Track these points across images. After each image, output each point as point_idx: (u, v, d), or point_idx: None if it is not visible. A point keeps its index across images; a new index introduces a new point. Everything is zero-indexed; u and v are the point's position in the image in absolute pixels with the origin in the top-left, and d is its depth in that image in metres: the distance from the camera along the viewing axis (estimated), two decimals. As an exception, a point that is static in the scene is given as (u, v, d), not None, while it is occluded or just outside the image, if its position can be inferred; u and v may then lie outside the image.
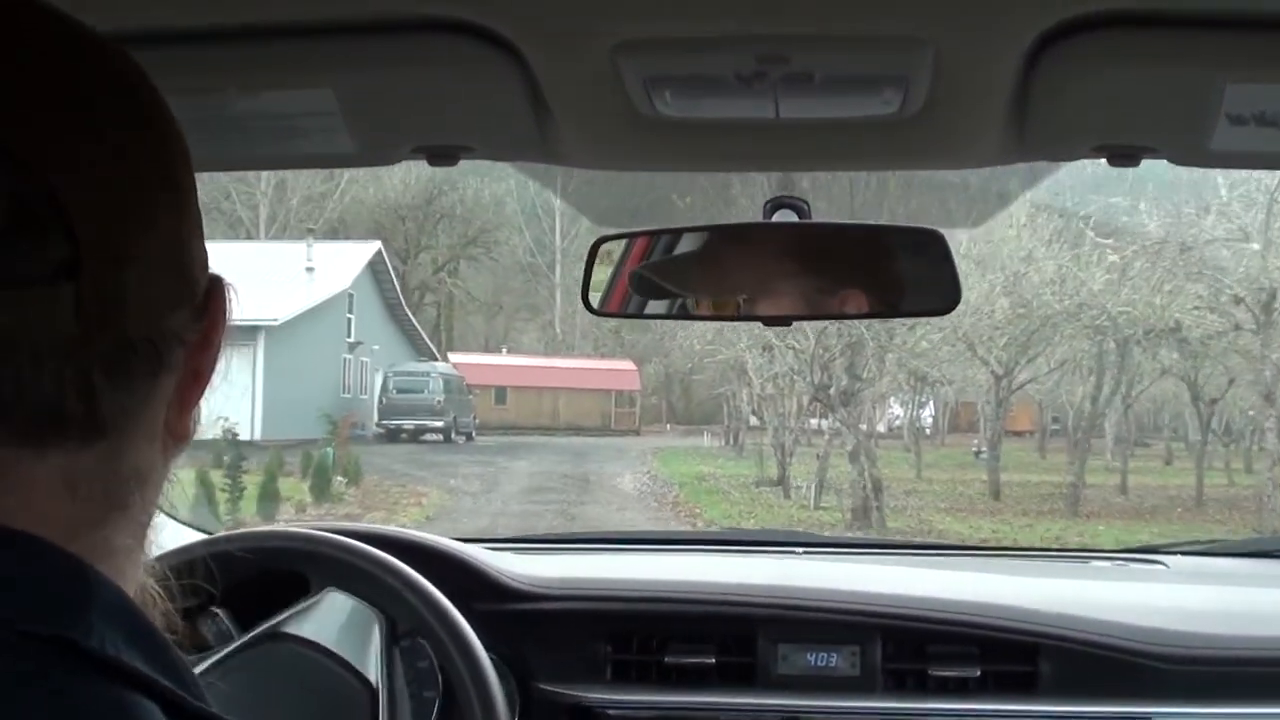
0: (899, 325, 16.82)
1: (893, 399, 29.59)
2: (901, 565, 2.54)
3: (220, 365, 0.78)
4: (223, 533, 2.01)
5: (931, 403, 32.03)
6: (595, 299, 1.73)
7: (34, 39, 0.69)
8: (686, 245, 1.75)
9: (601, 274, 1.72)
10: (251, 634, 1.76)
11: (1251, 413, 21.51)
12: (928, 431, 29.24)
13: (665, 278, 1.74)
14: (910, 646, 2.06)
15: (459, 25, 1.14)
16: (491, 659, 1.81)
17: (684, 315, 1.77)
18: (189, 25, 1.15)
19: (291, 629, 1.75)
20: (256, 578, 1.84)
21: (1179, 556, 2.57)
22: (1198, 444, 23.33)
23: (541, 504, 18.34)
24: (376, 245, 33.32)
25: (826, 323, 16.50)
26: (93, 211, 0.66)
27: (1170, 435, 33.28)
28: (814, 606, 2.10)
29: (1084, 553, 3.29)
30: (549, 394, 41.87)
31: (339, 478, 17.85)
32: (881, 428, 25.56)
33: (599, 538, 2.79)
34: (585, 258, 1.72)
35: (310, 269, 30.22)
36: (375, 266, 33.26)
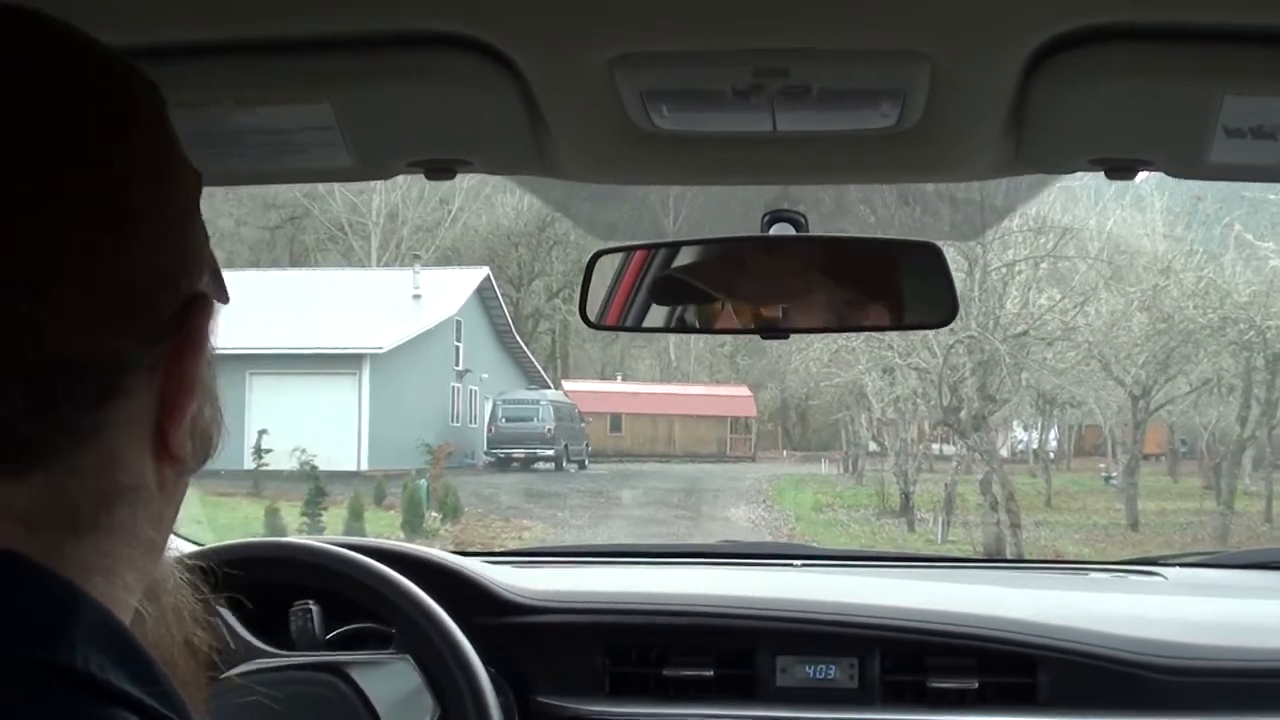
0: (1035, 342, 15.71)
1: (1015, 422, 28.49)
2: (899, 578, 2.54)
3: (200, 385, 0.74)
4: (211, 545, 1.99)
5: (1055, 425, 30.60)
6: (593, 312, 1.74)
7: None
8: (684, 259, 1.75)
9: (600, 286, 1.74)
10: (315, 658, 1.79)
11: None
12: (1051, 455, 27.94)
13: (663, 291, 1.74)
14: (909, 658, 2.05)
15: (456, 40, 1.14)
16: (490, 672, 1.83)
17: (681, 328, 1.79)
18: (187, 40, 1.15)
19: (356, 675, 1.75)
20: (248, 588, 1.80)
21: (1177, 568, 2.56)
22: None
23: (649, 539, 17.64)
24: (484, 271, 32.54)
25: (954, 340, 15.52)
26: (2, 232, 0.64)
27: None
28: (812, 619, 2.10)
29: (1082, 564, 3.31)
30: (664, 421, 41.05)
31: (433, 512, 16.88)
32: (1004, 452, 24.31)
33: (597, 550, 2.84)
34: (583, 271, 1.75)
35: (417, 296, 29.76)
36: (484, 293, 32.63)
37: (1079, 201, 18.90)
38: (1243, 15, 1.10)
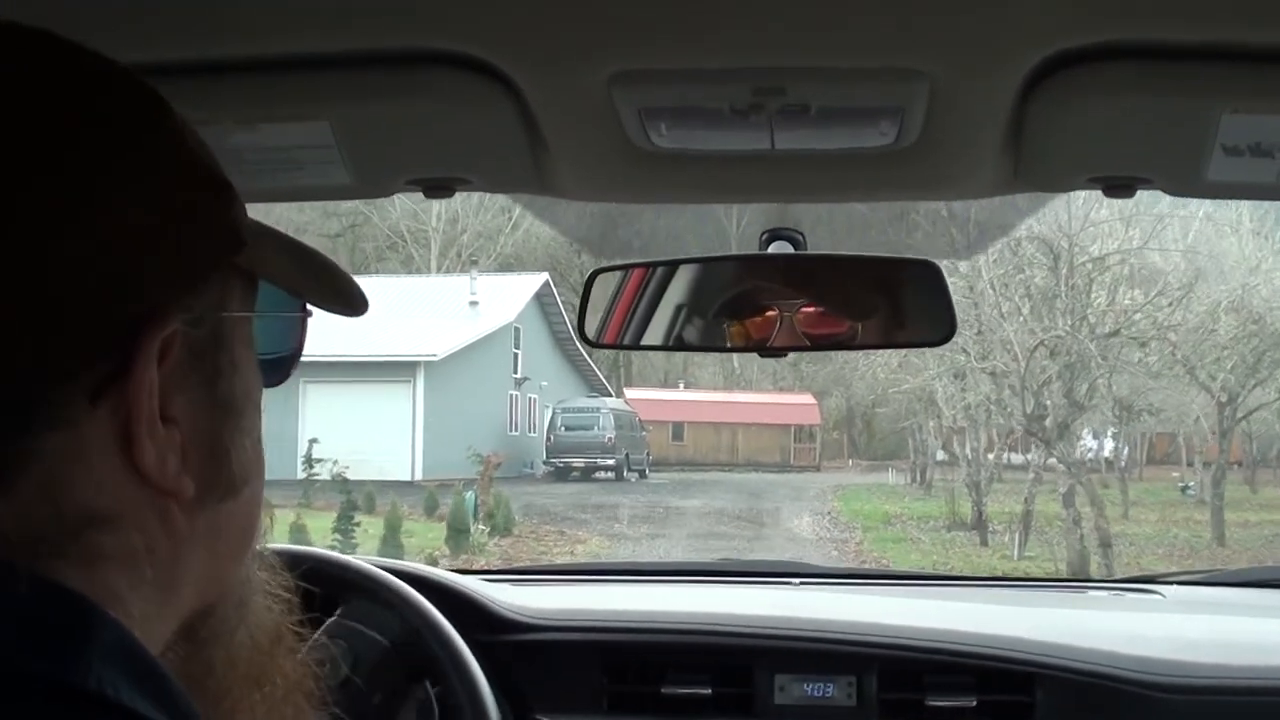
0: (1127, 343, 14.58)
1: (1085, 429, 27.50)
2: (897, 596, 2.52)
3: (193, 413, 0.73)
4: None
5: (1119, 433, 29.44)
6: (591, 330, 1.74)
7: None
8: (683, 276, 1.74)
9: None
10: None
11: None
12: (1122, 464, 26.89)
13: (661, 309, 1.73)
14: (907, 677, 2.04)
15: (455, 58, 1.14)
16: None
17: (680, 346, 1.78)
18: (185, 59, 1.14)
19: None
20: None
21: (1176, 586, 2.53)
22: None
23: (706, 553, 16.59)
24: (544, 277, 31.89)
25: (1038, 341, 14.54)
26: None
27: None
28: (810, 637, 2.09)
29: (1081, 582, 3.59)
30: (727, 429, 40.80)
31: (480, 525, 15.99)
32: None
33: (596, 568, 2.95)
34: (581, 289, 1.74)
35: (474, 303, 29.25)
36: (543, 299, 31.97)
37: (1160, 195, 17.75)
38: (1240, 33, 1.09)
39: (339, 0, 1.10)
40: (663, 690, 2.05)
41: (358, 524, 14.28)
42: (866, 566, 16.02)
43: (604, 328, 1.75)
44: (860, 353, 19.03)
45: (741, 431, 40.74)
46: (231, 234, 0.74)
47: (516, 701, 2.01)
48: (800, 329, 1.69)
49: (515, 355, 30.60)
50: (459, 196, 1.49)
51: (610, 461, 29.42)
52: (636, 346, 1.77)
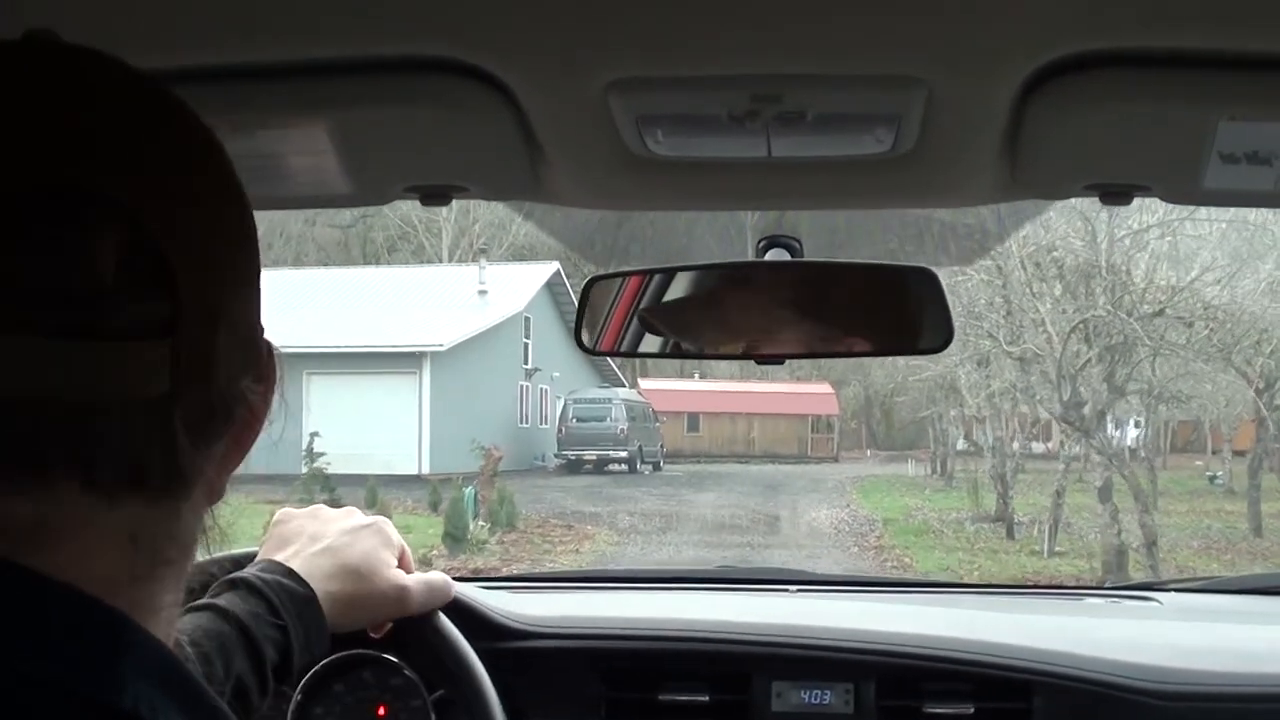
0: (1172, 323, 13.61)
1: (1107, 416, 26.69)
2: (895, 603, 2.49)
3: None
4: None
5: (1145, 421, 28.59)
6: (589, 338, 1.72)
7: (134, 102, 0.72)
8: (680, 283, 1.73)
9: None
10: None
11: None
12: (1142, 453, 26.07)
13: (658, 316, 1.72)
14: (904, 684, 2.02)
15: (452, 65, 1.13)
16: None
17: (677, 354, 1.80)
18: (181, 65, 1.13)
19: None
20: None
21: (1173, 593, 2.51)
22: None
23: (720, 548, 15.95)
24: (554, 266, 31.19)
25: (1077, 322, 13.79)
26: (192, 272, 0.68)
27: None
28: (808, 644, 2.07)
29: (1078, 589, 3.58)
30: (743, 420, 40.55)
31: (480, 522, 15.20)
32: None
33: (593, 576, 2.83)
34: (578, 297, 1.73)
35: (482, 292, 28.57)
36: (554, 288, 31.26)
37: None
38: (1237, 41, 1.08)
39: (336, 7, 1.08)
40: (660, 697, 2.04)
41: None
42: (883, 568, 15.71)
43: (601, 334, 1.74)
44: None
45: (758, 422, 40.39)
46: None
47: (512, 709, 1.95)
48: (797, 336, 1.71)
49: (526, 345, 29.96)
50: (469, 186, 1.50)
51: (623, 454, 29.03)
52: (634, 354, 1.78)
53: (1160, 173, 1.29)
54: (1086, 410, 13.85)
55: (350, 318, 25.95)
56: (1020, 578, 13.50)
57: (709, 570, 3.10)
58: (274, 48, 1.12)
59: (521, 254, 36.70)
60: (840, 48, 1.09)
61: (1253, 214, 15.91)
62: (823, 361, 39.17)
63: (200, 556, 0.75)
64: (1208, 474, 25.87)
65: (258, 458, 0.81)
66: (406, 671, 1.77)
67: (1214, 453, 29.40)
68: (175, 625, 0.73)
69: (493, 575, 2.58)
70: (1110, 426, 27.44)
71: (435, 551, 14.24)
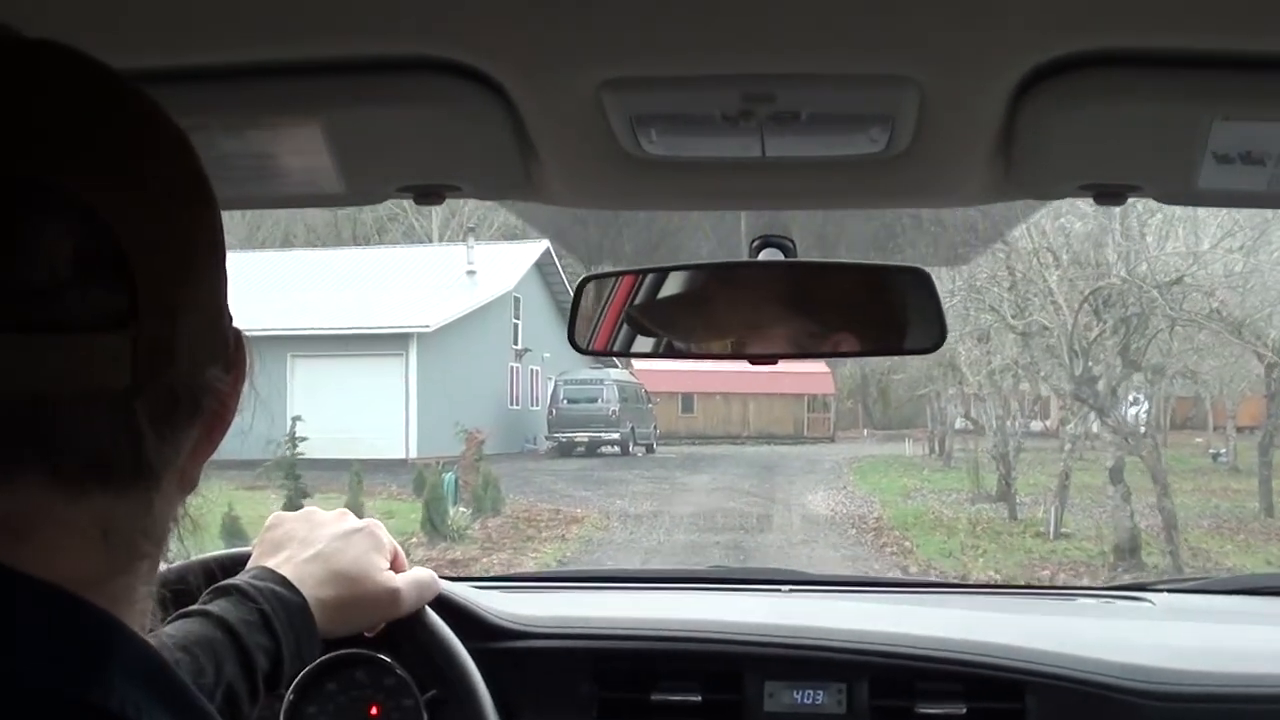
0: (1192, 292, 12.88)
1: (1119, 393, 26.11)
2: (888, 603, 2.50)
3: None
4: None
5: (1143, 398, 27.93)
6: (582, 338, 1.72)
7: (88, 93, 0.70)
8: (673, 283, 1.73)
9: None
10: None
11: None
12: (1143, 430, 25.43)
13: (652, 316, 1.73)
14: (897, 684, 2.03)
15: (445, 65, 1.12)
16: None
17: (671, 354, 1.77)
18: (173, 64, 1.12)
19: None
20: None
21: (1166, 594, 2.52)
22: None
23: (712, 533, 15.38)
24: (544, 245, 30.53)
25: (1089, 290, 13.47)
26: (150, 262, 0.68)
27: None
28: (801, 644, 2.08)
29: (1071, 590, 3.60)
30: (738, 400, 39.96)
31: (461, 508, 14.62)
32: (1094, 427, 22.24)
33: (585, 576, 2.83)
34: (571, 297, 1.72)
35: (471, 272, 27.93)
36: (544, 267, 30.60)
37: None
38: (1231, 41, 1.07)
39: (330, 7, 1.07)
40: (652, 697, 2.03)
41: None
42: (882, 553, 14.86)
43: (594, 334, 1.72)
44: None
45: (753, 402, 39.90)
46: None
47: (504, 709, 1.93)
48: (790, 336, 1.70)
49: (515, 326, 29.32)
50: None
51: (615, 436, 28.47)
52: (627, 353, 1.78)
53: (1154, 173, 1.30)
54: (1100, 386, 13.16)
55: (335, 299, 25.35)
56: (1026, 561, 12.93)
57: (701, 570, 3.06)
58: (267, 47, 1.12)
59: (514, 234, 36.09)
60: (834, 48, 1.08)
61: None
62: (818, 343, 39.13)
63: (195, 555, 0.76)
64: (1210, 451, 25.22)
65: (231, 444, 0.78)
66: (399, 671, 1.74)
67: (1216, 429, 28.66)
68: (149, 616, 0.72)
69: (483, 575, 2.57)
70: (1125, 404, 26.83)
71: (415, 539, 13.70)
